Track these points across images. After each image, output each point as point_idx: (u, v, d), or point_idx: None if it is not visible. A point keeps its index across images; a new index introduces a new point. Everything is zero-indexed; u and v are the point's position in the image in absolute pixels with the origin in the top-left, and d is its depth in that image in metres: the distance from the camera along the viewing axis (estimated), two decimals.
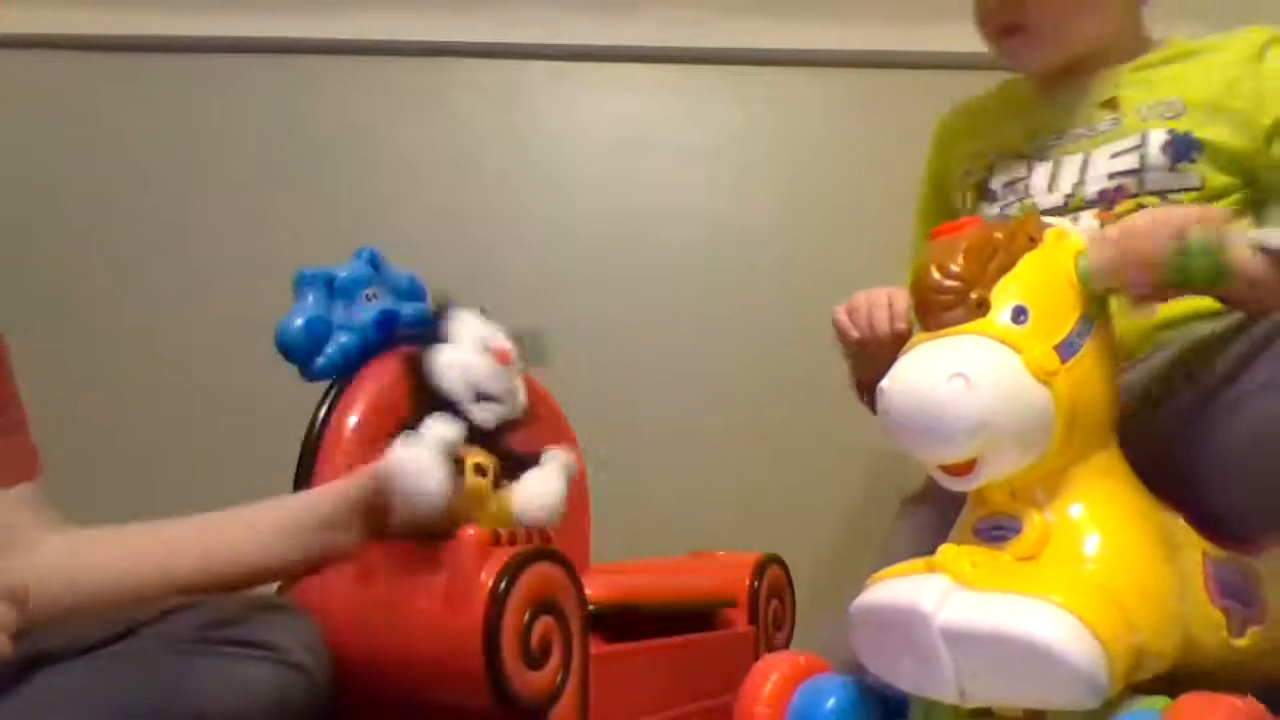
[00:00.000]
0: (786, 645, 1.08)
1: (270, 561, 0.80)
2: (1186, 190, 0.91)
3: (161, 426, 1.43)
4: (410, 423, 0.81)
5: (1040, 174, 0.99)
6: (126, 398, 1.44)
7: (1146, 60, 0.99)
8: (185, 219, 1.50)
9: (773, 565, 1.09)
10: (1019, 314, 0.73)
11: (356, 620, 0.77)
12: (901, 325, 0.95)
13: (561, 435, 1.07)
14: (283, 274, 0.93)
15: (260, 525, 0.80)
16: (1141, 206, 0.91)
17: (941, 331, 0.74)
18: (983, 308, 0.73)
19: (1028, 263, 0.76)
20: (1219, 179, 0.91)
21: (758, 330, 1.46)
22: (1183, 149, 0.92)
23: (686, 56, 1.53)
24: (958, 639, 0.66)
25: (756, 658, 1.03)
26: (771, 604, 1.07)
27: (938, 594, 0.67)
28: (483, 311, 0.90)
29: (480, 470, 0.80)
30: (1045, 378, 0.70)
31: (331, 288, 0.92)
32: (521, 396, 0.87)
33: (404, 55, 1.53)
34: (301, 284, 0.92)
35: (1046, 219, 0.82)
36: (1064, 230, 0.78)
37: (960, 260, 0.75)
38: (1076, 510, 0.73)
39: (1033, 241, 0.77)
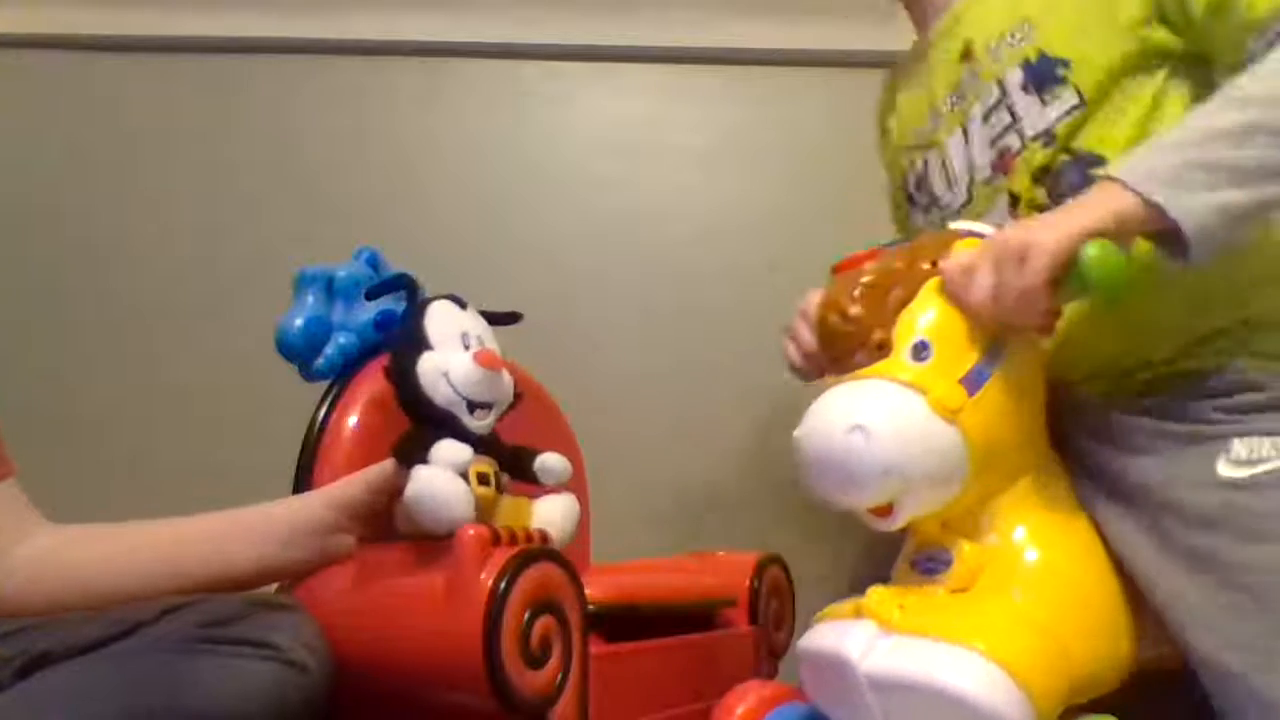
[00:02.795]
0: (787, 645, 1.08)
1: (268, 564, 0.80)
2: (1068, 114, 0.82)
3: (161, 426, 1.43)
4: (410, 436, 0.81)
5: (935, 170, 0.93)
6: (125, 398, 1.44)
7: None
8: (184, 219, 1.50)
9: (773, 565, 1.08)
10: (920, 350, 0.71)
11: (356, 619, 0.77)
12: (808, 362, 0.92)
13: (560, 434, 1.07)
14: (283, 274, 0.93)
15: (255, 529, 0.80)
16: (1033, 171, 0.84)
17: (847, 376, 0.73)
18: (884, 349, 0.72)
19: (927, 292, 0.73)
20: (1095, 78, 0.82)
21: (757, 329, 1.45)
22: (1043, 75, 0.83)
23: (686, 56, 1.53)
24: (882, 687, 0.66)
25: (757, 658, 1.03)
26: (771, 604, 1.07)
27: (863, 641, 0.68)
28: (456, 300, 0.87)
29: (483, 479, 0.80)
30: (950, 416, 0.69)
31: (331, 288, 0.92)
32: (509, 388, 0.85)
33: (404, 55, 1.53)
34: (301, 284, 0.92)
35: (966, 225, 0.80)
36: (972, 244, 0.74)
37: (858, 300, 0.73)
38: (1010, 537, 0.72)
39: (935, 266, 0.74)
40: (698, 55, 1.53)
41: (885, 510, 0.71)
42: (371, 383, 0.91)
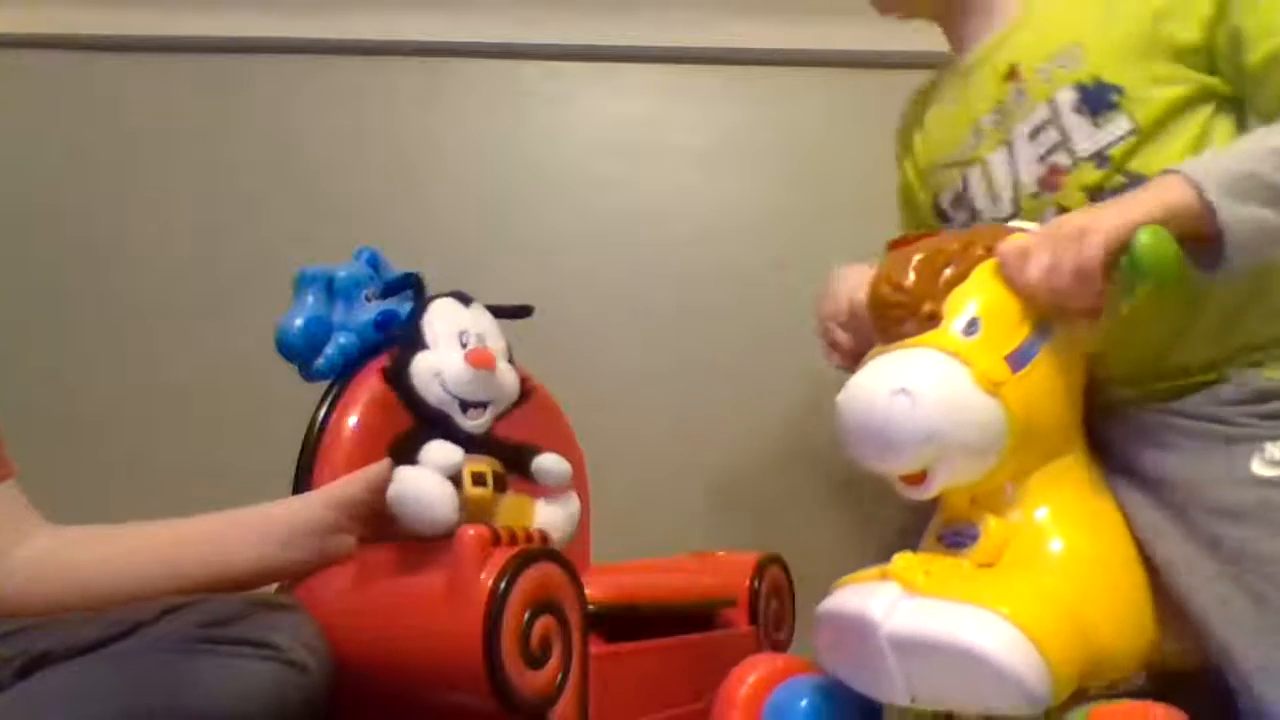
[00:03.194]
0: (787, 645, 1.08)
1: (268, 564, 0.80)
2: (1122, 139, 0.84)
3: (161, 426, 1.43)
4: (406, 436, 0.80)
5: (976, 184, 0.94)
6: (125, 398, 1.44)
7: (1030, 7, 0.92)
8: (184, 219, 1.50)
9: (773, 565, 1.08)
10: (970, 326, 0.73)
11: (356, 619, 0.77)
12: (844, 359, 0.94)
13: (560, 434, 1.07)
14: (283, 274, 0.93)
15: (255, 529, 0.80)
16: (1086, 189, 0.86)
17: (894, 345, 0.74)
18: (934, 320, 0.74)
19: (981, 273, 0.75)
20: (1152, 112, 0.84)
21: (758, 330, 1.45)
22: (1097, 99, 0.85)
23: (686, 56, 1.53)
24: (903, 646, 0.66)
25: None
26: (771, 604, 1.07)
27: (886, 602, 0.68)
28: (460, 297, 0.87)
29: (478, 480, 0.79)
30: (993, 389, 0.70)
31: (331, 288, 0.92)
32: (509, 385, 0.85)
33: (404, 55, 1.53)
34: (301, 284, 0.92)
35: (1018, 224, 0.82)
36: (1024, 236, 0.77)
37: (911, 273, 0.75)
38: (1037, 516, 0.73)
39: (989, 251, 0.76)
40: (698, 55, 1.53)
41: (918, 478, 0.72)
42: (371, 383, 0.91)
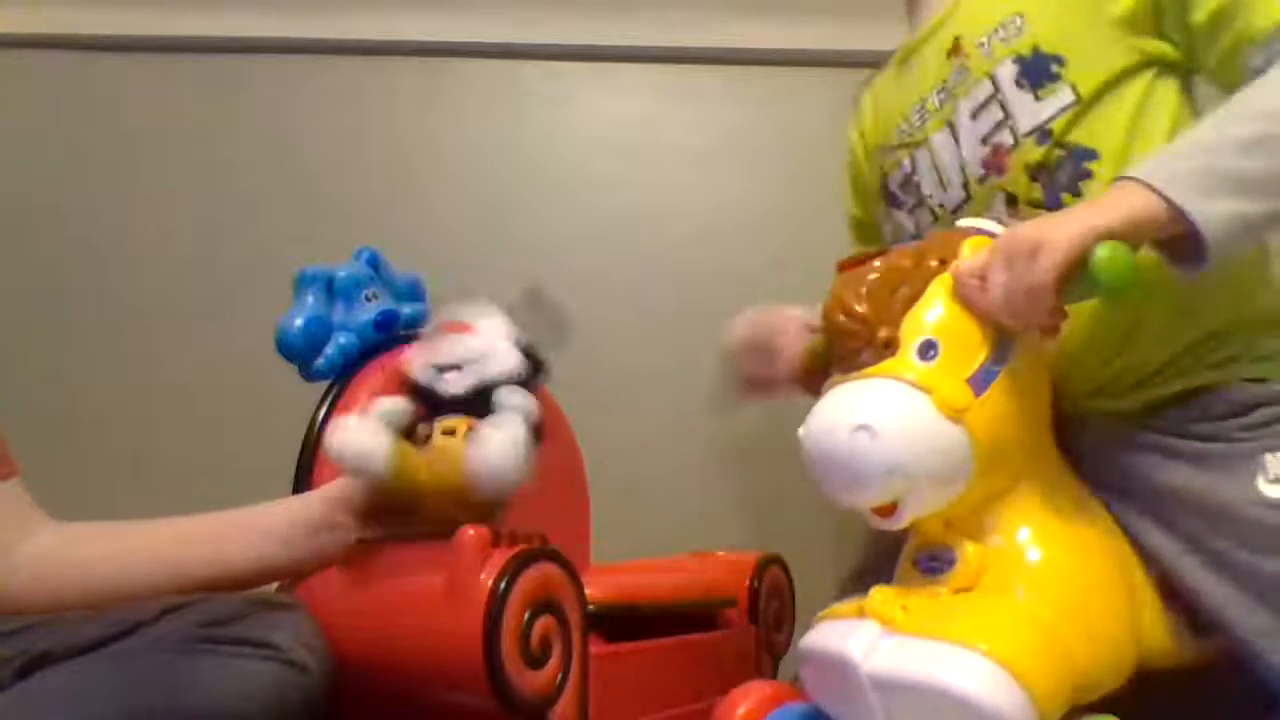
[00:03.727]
0: (787, 645, 1.08)
1: (268, 563, 0.80)
2: (1063, 111, 0.82)
3: (161, 426, 1.43)
4: None
5: (923, 167, 0.91)
6: (125, 398, 1.44)
7: None
8: (184, 219, 1.50)
9: (773, 565, 1.08)
10: (927, 349, 0.70)
11: (356, 619, 0.77)
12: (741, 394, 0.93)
13: (560, 434, 1.07)
14: (283, 274, 0.93)
15: (255, 528, 0.80)
16: (1028, 168, 0.83)
17: (852, 375, 0.73)
18: (890, 347, 0.71)
19: (935, 289, 0.73)
20: (1093, 80, 0.81)
21: None
22: (1037, 71, 0.82)
23: (686, 56, 1.53)
24: (884, 687, 0.66)
25: (757, 658, 1.03)
26: (771, 604, 1.07)
27: (866, 641, 0.67)
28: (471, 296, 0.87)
29: (449, 432, 0.79)
30: (956, 415, 0.68)
31: (331, 288, 0.92)
32: (500, 358, 0.82)
33: (404, 55, 1.53)
34: (301, 284, 0.92)
35: (971, 223, 0.79)
36: (981, 242, 0.74)
37: (864, 298, 0.72)
38: (1013, 538, 0.72)
39: (943, 263, 0.73)
40: (698, 55, 1.53)
41: (889, 510, 0.71)
42: (372, 383, 0.91)
